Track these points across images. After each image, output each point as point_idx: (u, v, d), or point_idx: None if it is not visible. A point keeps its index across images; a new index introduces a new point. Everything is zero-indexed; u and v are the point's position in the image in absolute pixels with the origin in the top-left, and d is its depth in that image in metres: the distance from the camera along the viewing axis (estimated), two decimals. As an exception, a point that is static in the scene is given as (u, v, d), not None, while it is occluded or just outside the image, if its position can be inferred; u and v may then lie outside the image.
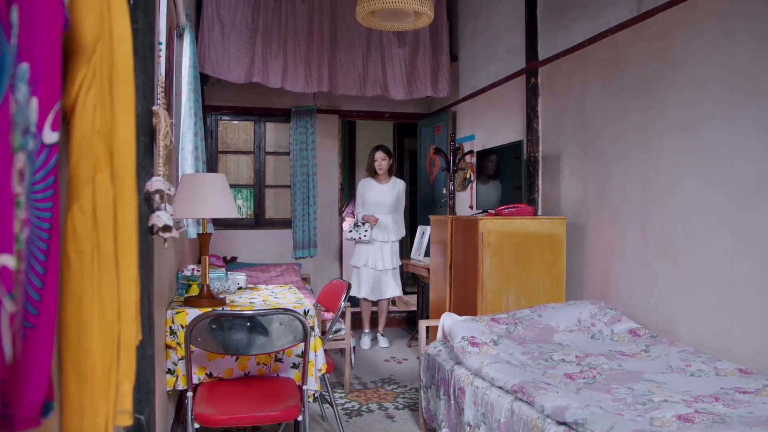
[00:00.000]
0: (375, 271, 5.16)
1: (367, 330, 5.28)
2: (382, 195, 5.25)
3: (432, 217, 4.33)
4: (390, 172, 5.35)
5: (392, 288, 5.21)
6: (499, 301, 3.52)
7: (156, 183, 1.64)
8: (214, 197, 2.55)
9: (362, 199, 5.29)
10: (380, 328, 5.30)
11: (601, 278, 3.55)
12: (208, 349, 2.30)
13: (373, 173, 5.34)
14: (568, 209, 3.90)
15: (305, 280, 5.78)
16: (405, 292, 7.07)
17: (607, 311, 3.14)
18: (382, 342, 5.22)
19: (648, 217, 3.17)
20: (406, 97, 5.46)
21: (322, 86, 5.17)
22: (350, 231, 5.20)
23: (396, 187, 5.31)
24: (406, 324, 6.12)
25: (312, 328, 2.59)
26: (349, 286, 3.31)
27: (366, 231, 5.11)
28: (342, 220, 6.53)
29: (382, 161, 5.26)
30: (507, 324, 2.98)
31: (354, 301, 5.48)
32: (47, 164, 0.73)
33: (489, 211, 4.08)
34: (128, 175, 0.96)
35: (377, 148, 5.33)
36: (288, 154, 6.16)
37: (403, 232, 5.34)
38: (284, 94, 5.70)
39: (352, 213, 6.37)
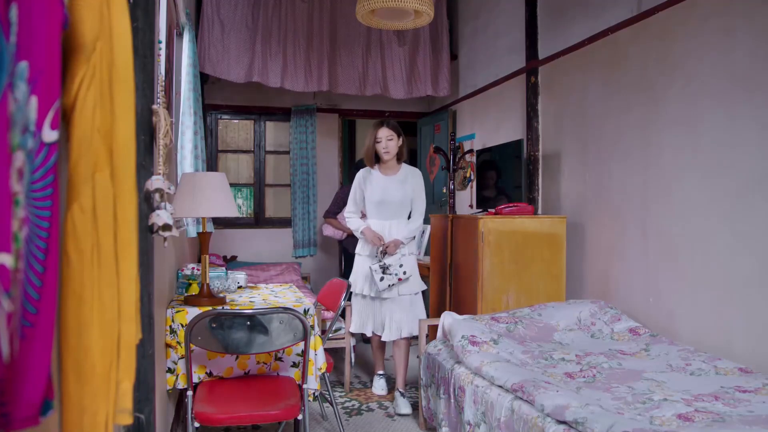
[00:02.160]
0: (382, 300, 3.61)
1: (381, 372, 3.85)
2: (389, 191, 3.63)
3: (432, 216, 4.33)
4: (399, 158, 3.73)
5: (410, 322, 3.59)
6: (498, 300, 3.52)
7: (156, 182, 1.64)
8: (214, 196, 2.55)
9: (358, 197, 3.76)
10: (399, 383, 3.62)
11: (601, 277, 3.55)
12: (208, 347, 2.30)
13: (372, 162, 3.74)
14: (568, 208, 3.90)
15: (305, 279, 5.78)
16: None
17: (607, 310, 3.14)
18: (402, 406, 3.48)
19: (648, 215, 3.17)
20: (406, 96, 5.46)
21: (321, 85, 5.17)
22: (381, 279, 3.48)
23: (408, 181, 3.66)
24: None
25: (312, 327, 2.59)
26: (350, 285, 3.30)
27: (402, 268, 3.49)
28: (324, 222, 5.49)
29: (388, 141, 3.62)
30: (507, 323, 2.98)
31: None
32: (46, 163, 0.73)
33: (489, 210, 4.09)
34: (128, 173, 0.96)
35: (380, 123, 3.69)
36: (288, 153, 6.16)
37: (408, 233, 3.65)
38: (284, 93, 5.70)
39: (332, 214, 5.24)
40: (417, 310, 3.61)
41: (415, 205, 3.70)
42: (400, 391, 3.59)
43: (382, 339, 3.63)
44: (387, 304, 3.59)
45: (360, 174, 3.78)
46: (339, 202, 5.10)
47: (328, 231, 5.42)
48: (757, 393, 2.15)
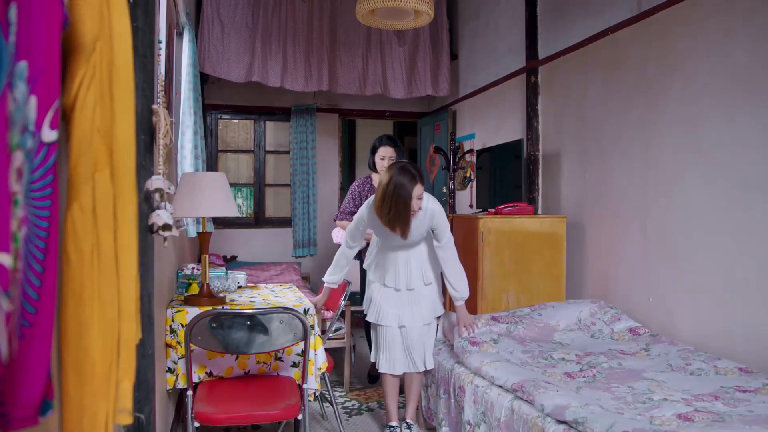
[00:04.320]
0: (401, 328, 2.95)
1: (394, 423, 3.06)
2: (398, 239, 2.91)
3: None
4: None
5: (421, 354, 2.97)
6: (499, 300, 3.52)
7: (156, 181, 1.64)
8: (213, 196, 2.55)
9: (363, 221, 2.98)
10: (408, 413, 3.06)
11: (601, 277, 3.55)
12: (208, 347, 2.30)
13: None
14: (568, 208, 3.90)
15: (305, 278, 5.78)
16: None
17: (607, 310, 3.14)
18: None
19: (648, 215, 3.17)
20: (406, 95, 5.46)
21: (321, 85, 5.17)
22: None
23: (425, 221, 2.87)
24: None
25: (312, 326, 2.59)
26: (349, 284, 3.29)
27: None
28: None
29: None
30: (507, 323, 2.98)
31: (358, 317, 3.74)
32: (46, 162, 0.73)
33: (489, 210, 4.08)
34: (128, 173, 0.96)
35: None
36: (288, 152, 6.16)
37: (462, 287, 2.94)
38: (284, 93, 5.70)
39: (349, 215, 3.82)
40: (428, 342, 2.98)
41: (440, 234, 2.90)
42: (407, 423, 3.02)
43: (394, 373, 2.97)
44: (399, 332, 2.95)
45: (366, 206, 2.95)
46: (356, 199, 3.87)
47: (337, 236, 4.04)
48: (757, 393, 2.14)
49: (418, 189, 2.71)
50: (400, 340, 2.95)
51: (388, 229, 2.78)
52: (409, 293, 2.95)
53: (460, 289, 2.92)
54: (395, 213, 2.71)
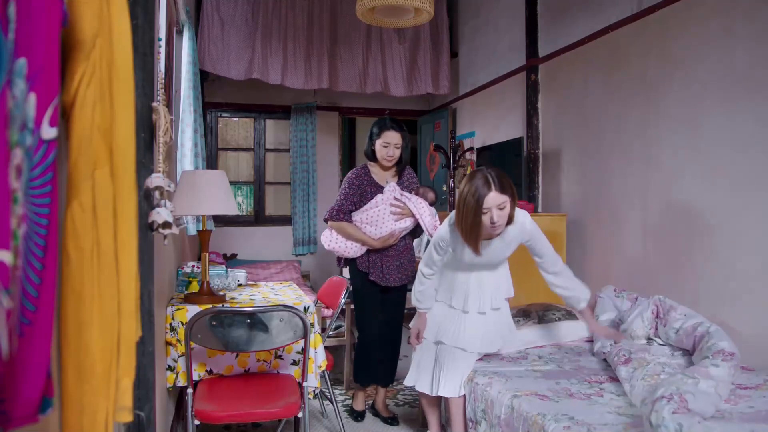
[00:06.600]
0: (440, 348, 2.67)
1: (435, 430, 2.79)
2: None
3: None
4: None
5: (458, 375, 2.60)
6: (499, 298, 3.51)
7: (156, 179, 1.63)
8: (213, 194, 2.55)
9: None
10: None
11: (601, 275, 3.54)
12: (209, 345, 2.30)
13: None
14: (569, 206, 3.89)
15: (305, 277, 5.78)
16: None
17: (607, 308, 3.14)
18: None
19: (648, 213, 3.17)
20: (407, 94, 5.45)
21: (322, 83, 5.16)
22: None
23: (517, 230, 2.62)
24: (406, 321, 6.12)
25: (312, 324, 2.59)
26: (349, 284, 3.28)
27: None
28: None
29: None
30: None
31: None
32: (45, 160, 0.72)
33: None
34: (128, 171, 0.96)
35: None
36: (288, 151, 6.16)
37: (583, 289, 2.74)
38: (284, 91, 5.69)
39: (346, 214, 3.17)
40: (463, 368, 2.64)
41: (539, 250, 2.74)
42: None
43: (440, 394, 2.60)
44: (443, 352, 2.64)
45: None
46: (356, 195, 3.17)
47: (332, 241, 3.20)
48: (757, 389, 2.15)
49: (493, 197, 2.32)
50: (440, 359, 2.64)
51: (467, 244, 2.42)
52: (478, 317, 2.63)
53: (580, 289, 2.64)
54: (466, 225, 2.37)
